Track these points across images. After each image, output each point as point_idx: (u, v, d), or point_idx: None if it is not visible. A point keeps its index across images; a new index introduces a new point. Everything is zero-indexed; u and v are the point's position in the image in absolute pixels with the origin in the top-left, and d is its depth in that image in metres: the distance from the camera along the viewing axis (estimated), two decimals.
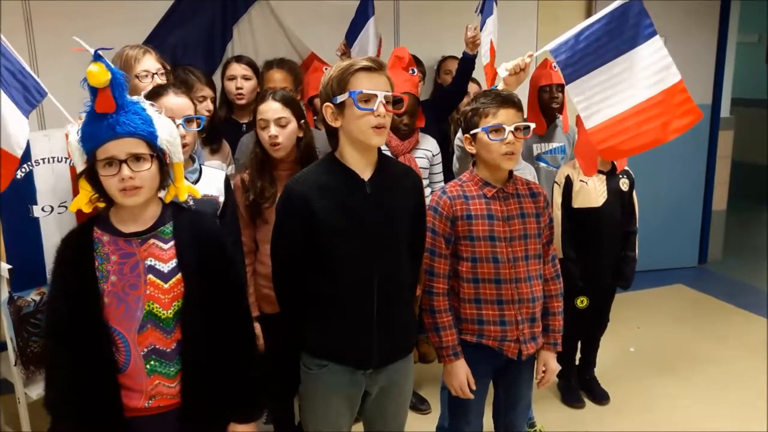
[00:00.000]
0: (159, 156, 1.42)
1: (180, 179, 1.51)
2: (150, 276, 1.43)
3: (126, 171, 1.35)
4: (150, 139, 1.40)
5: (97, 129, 1.36)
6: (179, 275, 1.45)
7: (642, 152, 2.31)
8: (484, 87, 2.88)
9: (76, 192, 2.33)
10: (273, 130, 2.04)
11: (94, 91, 1.34)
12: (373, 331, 1.63)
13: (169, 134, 1.46)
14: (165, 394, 1.46)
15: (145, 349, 1.43)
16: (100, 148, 1.36)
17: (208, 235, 1.53)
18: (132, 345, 1.42)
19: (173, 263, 1.45)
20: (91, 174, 1.39)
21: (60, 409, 1.43)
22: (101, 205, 1.43)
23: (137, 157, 1.37)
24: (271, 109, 2.05)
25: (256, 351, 1.59)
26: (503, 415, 2.04)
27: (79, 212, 2.35)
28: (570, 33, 2.06)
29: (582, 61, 2.04)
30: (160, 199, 1.50)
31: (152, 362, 1.43)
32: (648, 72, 2.03)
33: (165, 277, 1.44)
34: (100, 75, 1.31)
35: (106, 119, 1.35)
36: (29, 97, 2.01)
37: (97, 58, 1.32)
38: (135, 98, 1.43)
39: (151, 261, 1.44)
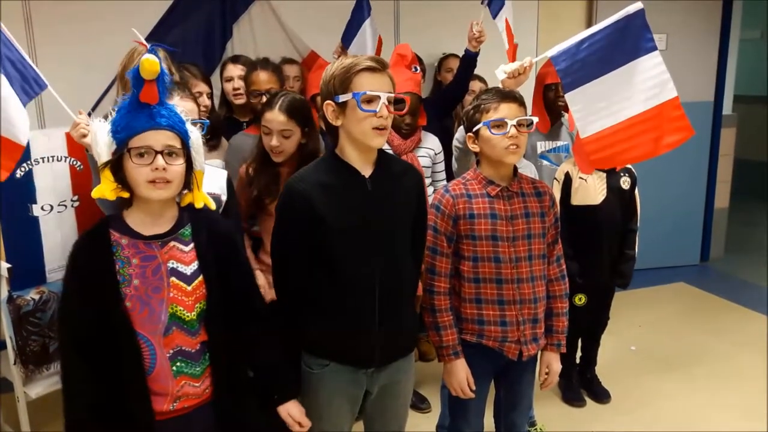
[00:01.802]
0: (189, 155, 1.43)
1: (201, 187, 1.52)
2: (173, 278, 1.42)
3: (161, 161, 1.35)
4: (185, 137, 1.42)
5: (136, 118, 1.37)
6: (201, 277, 1.45)
7: (633, 162, 2.38)
8: (490, 84, 2.87)
9: (76, 191, 2.34)
10: (275, 140, 2.08)
11: (140, 83, 1.36)
12: (374, 330, 1.63)
13: (197, 143, 1.47)
14: (191, 395, 1.46)
15: (171, 351, 1.43)
16: (136, 137, 1.36)
17: (224, 236, 1.54)
18: (158, 348, 1.41)
19: (195, 265, 1.46)
20: (115, 165, 1.39)
21: (85, 427, 1.39)
22: (125, 194, 1.42)
23: (171, 152, 1.38)
24: (277, 119, 2.08)
25: (277, 339, 1.60)
26: (504, 415, 2.04)
27: (79, 212, 2.37)
28: (571, 41, 2.06)
29: (582, 70, 2.05)
30: (176, 202, 1.50)
31: (179, 363, 1.43)
32: (645, 86, 2.04)
33: (188, 279, 1.44)
34: (153, 65, 1.34)
35: (148, 110, 1.37)
36: (27, 87, 2.01)
37: (152, 51, 1.37)
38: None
39: (173, 263, 1.43)
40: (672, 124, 2.05)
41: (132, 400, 1.40)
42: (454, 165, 2.29)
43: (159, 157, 1.36)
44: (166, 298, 1.41)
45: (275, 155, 2.10)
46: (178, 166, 1.40)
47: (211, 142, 2.51)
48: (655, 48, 2.04)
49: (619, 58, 2.04)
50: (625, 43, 2.03)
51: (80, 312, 1.39)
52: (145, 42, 1.42)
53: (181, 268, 1.44)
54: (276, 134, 2.07)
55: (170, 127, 1.39)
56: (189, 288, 1.44)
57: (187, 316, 1.43)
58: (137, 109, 1.37)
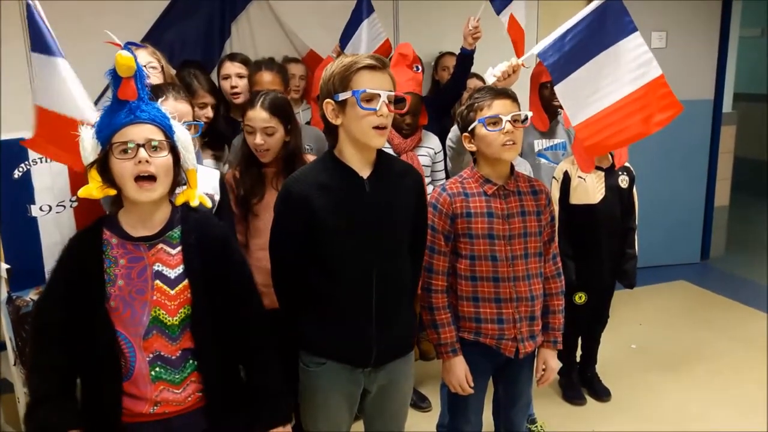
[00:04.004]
0: (175, 148, 1.42)
1: (194, 186, 1.50)
2: (157, 282, 1.41)
3: (143, 153, 1.34)
4: (168, 131, 1.41)
5: (116, 116, 1.36)
6: (186, 281, 1.43)
7: (627, 145, 2.38)
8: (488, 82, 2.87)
9: (74, 191, 2.34)
10: (259, 138, 2.07)
11: (118, 81, 1.35)
12: (371, 330, 1.62)
13: (185, 139, 1.46)
14: (170, 401, 1.43)
15: (151, 355, 1.41)
16: (117, 133, 1.35)
17: (216, 239, 1.51)
18: (138, 350, 1.40)
19: (180, 269, 1.43)
20: (102, 165, 1.38)
21: (44, 421, 1.36)
22: (111, 192, 1.40)
23: (154, 147, 1.37)
24: (259, 117, 2.07)
25: (275, 355, 1.55)
26: (503, 412, 2.04)
27: (77, 212, 2.36)
28: (555, 35, 2.08)
29: (568, 62, 2.07)
30: (170, 202, 1.49)
31: (157, 368, 1.42)
32: (630, 66, 2.06)
33: (172, 283, 1.42)
34: (128, 61, 1.33)
35: (127, 106, 1.37)
36: None
37: (126, 49, 1.36)
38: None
39: (158, 266, 1.42)
40: (660, 102, 2.06)
41: (105, 400, 1.39)
42: (449, 165, 2.28)
43: (141, 150, 1.34)
44: (149, 301, 1.39)
45: (261, 154, 2.09)
46: (162, 159, 1.38)
47: (216, 152, 2.50)
48: (635, 29, 2.06)
49: (601, 43, 2.06)
50: (605, 28, 2.05)
51: (61, 304, 1.39)
52: (119, 42, 1.41)
53: (166, 271, 1.42)
54: (259, 132, 2.07)
55: (151, 120, 1.38)
56: (172, 292, 1.41)
57: (169, 321, 1.41)
58: (117, 107, 1.37)
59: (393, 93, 1.57)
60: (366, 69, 1.53)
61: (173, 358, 1.43)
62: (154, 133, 1.38)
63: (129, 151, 1.35)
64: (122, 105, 1.37)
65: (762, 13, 6.32)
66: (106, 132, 1.37)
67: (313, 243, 1.60)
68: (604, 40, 2.05)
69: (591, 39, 2.04)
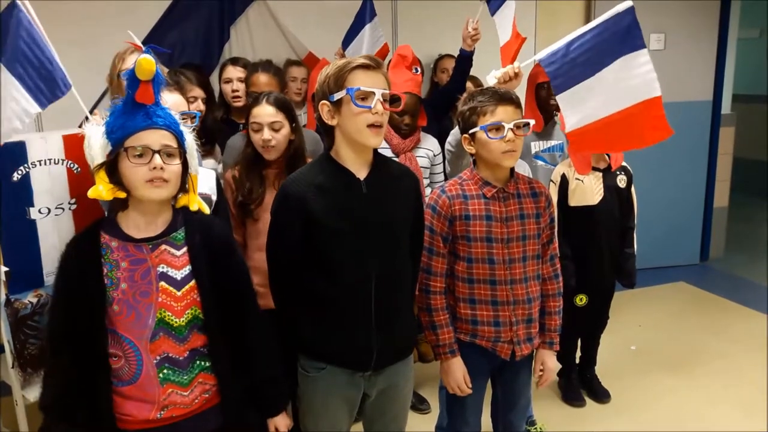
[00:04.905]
0: (185, 155, 1.43)
1: (196, 190, 1.51)
2: (162, 283, 1.40)
3: (158, 160, 1.35)
4: (180, 138, 1.42)
5: (132, 118, 1.36)
6: (193, 282, 1.43)
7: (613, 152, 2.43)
8: (486, 84, 2.86)
9: (73, 194, 2.34)
10: (266, 133, 2.08)
11: (135, 83, 1.35)
12: (371, 333, 1.62)
13: (192, 145, 1.47)
14: (178, 404, 1.43)
15: (158, 357, 1.41)
16: (132, 136, 1.35)
17: (219, 239, 1.52)
18: (144, 353, 1.40)
19: (186, 270, 1.43)
20: (111, 166, 1.38)
21: (55, 414, 1.40)
22: (121, 195, 1.40)
23: (168, 152, 1.38)
24: (266, 113, 2.08)
25: (274, 346, 1.58)
26: (502, 415, 2.04)
27: (76, 215, 2.36)
28: (561, 43, 2.07)
29: (571, 72, 2.06)
30: (171, 205, 1.49)
31: (165, 371, 1.41)
32: (633, 82, 2.05)
33: (178, 284, 1.42)
34: (150, 65, 1.34)
35: (144, 110, 1.37)
36: (55, 87, 1.98)
37: (147, 52, 1.36)
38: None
39: (163, 268, 1.41)
40: (652, 122, 2.06)
41: (99, 404, 1.39)
42: (447, 167, 2.28)
43: (156, 156, 1.35)
44: (154, 303, 1.39)
45: (267, 151, 2.10)
46: (175, 166, 1.39)
47: (206, 147, 2.49)
48: (643, 46, 2.04)
49: (608, 57, 2.04)
50: (613, 41, 2.03)
51: (65, 312, 1.39)
52: (140, 44, 1.41)
53: (171, 272, 1.42)
54: (266, 127, 2.08)
55: (167, 127, 1.39)
56: (179, 293, 1.41)
57: (176, 322, 1.41)
58: (133, 110, 1.37)
59: (388, 92, 1.57)
60: (360, 68, 1.54)
61: (181, 359, 1.43)
62: (169, 140, 1.39)
63: (143, 155, 1.35)
64: (138, 108, 1.37)
65: (761, 14, 6.31)
66: (119, 134, 1.37)
67: (310, 245, 1.60)
68: (612, 54, 2.03)
69: (599, 52, 2.03)
